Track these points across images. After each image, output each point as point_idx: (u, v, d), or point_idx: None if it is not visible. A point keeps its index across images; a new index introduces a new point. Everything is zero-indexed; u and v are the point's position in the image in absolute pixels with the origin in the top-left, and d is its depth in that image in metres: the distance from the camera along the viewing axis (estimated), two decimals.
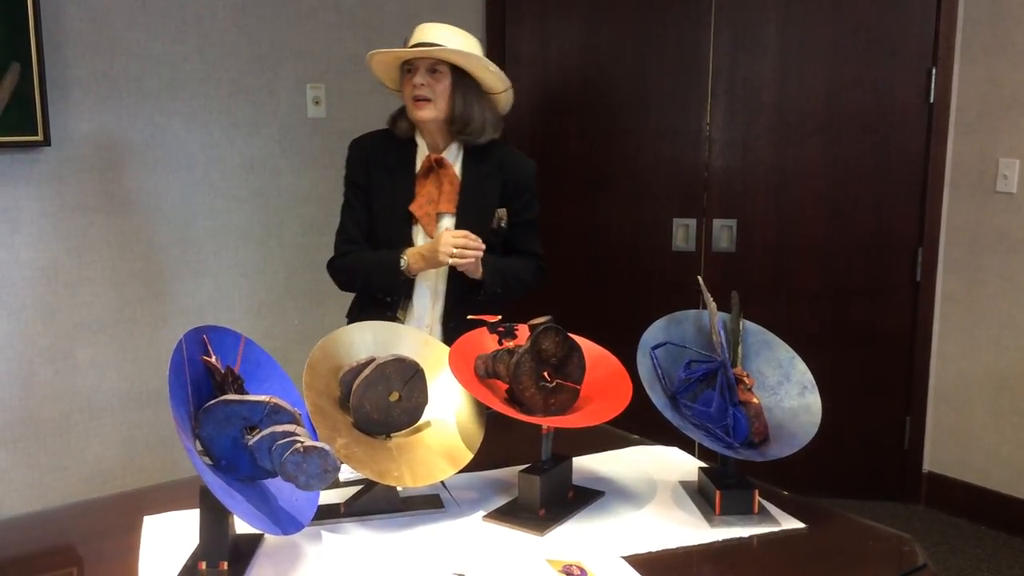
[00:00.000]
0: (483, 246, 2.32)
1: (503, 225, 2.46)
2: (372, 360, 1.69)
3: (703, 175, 3.84)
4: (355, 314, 2.54)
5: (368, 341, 1.78)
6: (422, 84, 2.33)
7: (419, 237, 2.44)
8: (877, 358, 3.85)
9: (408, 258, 2.37)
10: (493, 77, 2.41)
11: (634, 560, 1.51)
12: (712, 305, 1.80)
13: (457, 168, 2.45)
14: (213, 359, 1.49)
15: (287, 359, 1.76)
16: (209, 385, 1.49)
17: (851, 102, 3.72)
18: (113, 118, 3.19)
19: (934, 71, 3.66)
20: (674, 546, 1.59)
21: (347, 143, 2.55)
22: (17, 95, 2.90)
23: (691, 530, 1.64)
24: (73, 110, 3.10)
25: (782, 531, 1.65)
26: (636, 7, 3.84)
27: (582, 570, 1.46)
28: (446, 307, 2.46)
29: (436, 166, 2.42)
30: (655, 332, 1.81)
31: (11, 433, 3.09)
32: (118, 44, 3.18)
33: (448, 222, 2.43)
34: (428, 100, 2.34)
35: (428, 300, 2.46)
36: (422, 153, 2.45)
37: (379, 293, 2.44)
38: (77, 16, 3.08)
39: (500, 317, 1.80)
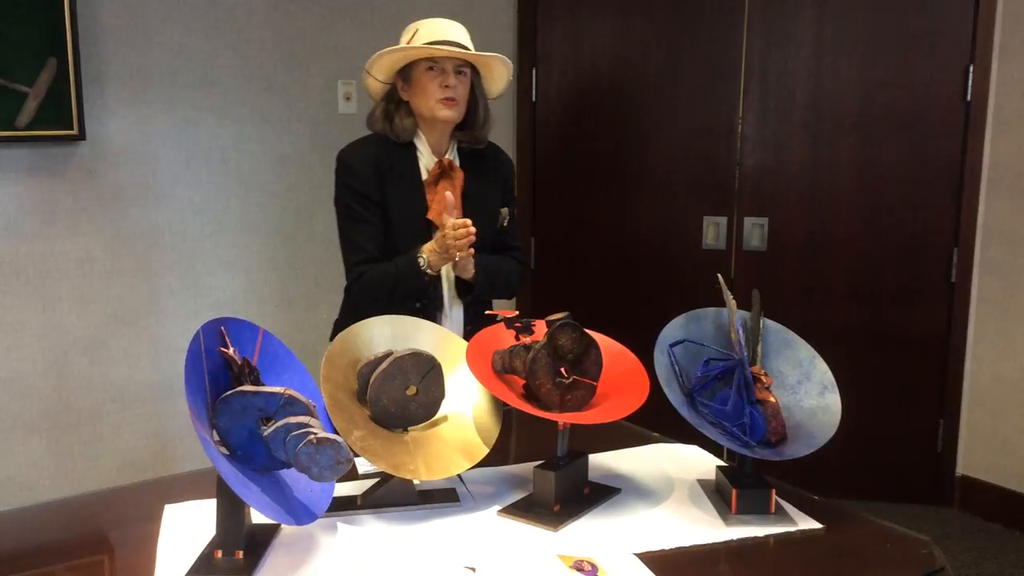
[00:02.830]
0: (473, 230, 2.18)
1: (505, 224, 2.43)
2: (390, 354, 1.70)
3: (735, 173, 3.81)
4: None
5: (387, 335, 1.79)
6: (456, 85, 2.29)
7: None
8: (911, 360, 3.80)
9: (426, 255, 2.25)
10: (506, 84, 2.42)
11: (647, 557, 1.51)
12: (732, 303, 1.79)
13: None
14: (230, 350, 1.51)
15: (317, 353, 1.76)
16: (226, 376, 1.50)
17: (886, 100, 3.67)
18: (147, 112, 3.24)
19: (971, 68, 3.59)
20: (688, 544, 1.58)
21: None
22: (53, 90, 2.95)
23: (706, 528, 1.64)
24: (108, 104, 3.15)
25: (798, 531, 1.64)
26: (669, 4, 3.82)
27: (593, 566, 1.46)
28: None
29: (449, 170, 2.36)
30: (673, 329, 1.80)
31: (46, 422, 3.15)
32: (153, 39, 3.23)
33: None
34: (457, 101, 2.31)
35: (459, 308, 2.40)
36: (426, 157, 2.37)
37: (410, 300, 2.28)
38: (113, 12, 3.13)
39: (518, 312, 1.81)
